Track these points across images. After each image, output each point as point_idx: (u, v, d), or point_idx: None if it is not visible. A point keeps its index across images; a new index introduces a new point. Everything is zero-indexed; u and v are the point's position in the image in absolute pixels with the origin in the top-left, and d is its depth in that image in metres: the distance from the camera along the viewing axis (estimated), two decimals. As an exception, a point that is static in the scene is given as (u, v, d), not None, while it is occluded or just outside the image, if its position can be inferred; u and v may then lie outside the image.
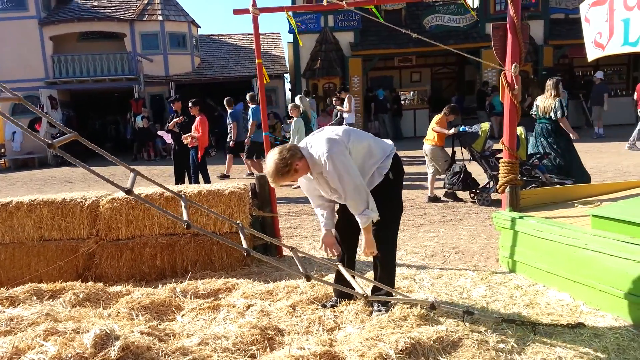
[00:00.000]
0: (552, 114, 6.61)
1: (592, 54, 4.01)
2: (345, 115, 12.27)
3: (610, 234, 3.27)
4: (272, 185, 3.08)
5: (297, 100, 9.57)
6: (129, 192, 2.29)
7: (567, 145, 6.76)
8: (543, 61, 17.45)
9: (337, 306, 3.35)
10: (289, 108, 8.96)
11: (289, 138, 12.67)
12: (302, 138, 8.66)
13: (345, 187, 2.92)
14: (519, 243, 3.99)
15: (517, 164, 4.30)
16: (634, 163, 9.73)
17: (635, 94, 12.81)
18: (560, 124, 6.71)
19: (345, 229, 3.35)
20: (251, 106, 10.28)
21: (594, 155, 11.16)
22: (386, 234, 3.23)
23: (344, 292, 3.21)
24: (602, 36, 3.85)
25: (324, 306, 3.38)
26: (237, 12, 4.96)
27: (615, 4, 3.71)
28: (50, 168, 16.32)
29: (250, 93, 10.69)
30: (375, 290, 3.35)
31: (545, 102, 6.71)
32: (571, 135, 6.76)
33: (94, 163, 12.06)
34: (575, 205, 4.30)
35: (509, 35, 4.18)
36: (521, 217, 3.98)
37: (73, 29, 19.49)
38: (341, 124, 11.42)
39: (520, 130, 6.35)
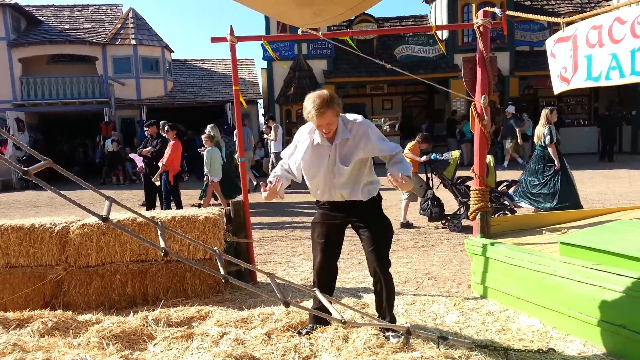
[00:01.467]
0: (542, 141, 7.05)
1: (558, 87, 4.19)
2: (271, 143, 12.44)
3: (578, 260, 3.37)
4: (320, 112, 2.98)
5: (208, 129, 9.64)
6: (105, 219, 2.26)
7: (555, 171, 7.20)
8: (509, 91, 18.04)
9: (311, 333, 3.33)
10: (203, 138, 8.97)
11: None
12: (215, 168, 8.70)
13: (388, 144, 3.21)
14: (490, 269, 4.07)
15: (487, 192, 4.42)
16: (596, 191, 10.07)
17: None
18: (549, 150, 7.10)
19: (326, 258, 3.37)
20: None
21: (559, 183, 11.49)
22: (387, 254, 3.29)
23: (319, 318, 3.23)
24: (567, 71, 4.03)
25: (299, 333, 3.35)
26: (214, 39, 5.00)
27: (579, 41, 3.90)
28: (14, 192, 15.85)
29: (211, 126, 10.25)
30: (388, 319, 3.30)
31: (538, 130, 7.16)
32: (555, 162, 7.13)
33: (61, 187, 11.80)
34: (544, 232, 4.43)
35: (479, 68, 4.34)
36: (492, 244, 4.08)
37: (43, 51, 19.27)
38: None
39: (489, 158, 6.55)
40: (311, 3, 2.59)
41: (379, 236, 3.21)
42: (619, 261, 3.14)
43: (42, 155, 2.43)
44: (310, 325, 3.43)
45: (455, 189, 7.15)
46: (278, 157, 12.66)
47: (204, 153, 8.86)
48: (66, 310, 3.76)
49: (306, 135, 3.25)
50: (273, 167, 12.57)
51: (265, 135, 13.15)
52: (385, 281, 3.24)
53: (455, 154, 7.36)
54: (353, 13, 3.02)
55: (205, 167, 8.83)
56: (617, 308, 2.98)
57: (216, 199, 9.39)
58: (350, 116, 3.18)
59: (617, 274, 3.02)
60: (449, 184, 7.20)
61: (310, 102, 3.00)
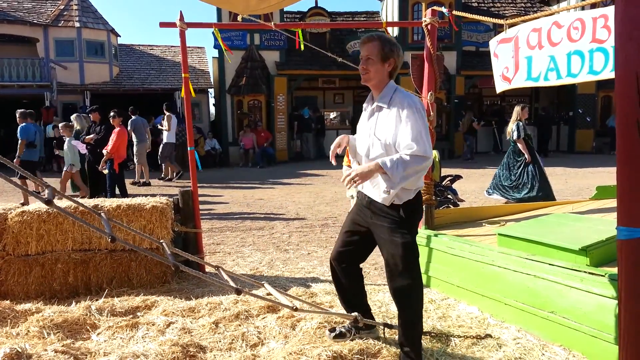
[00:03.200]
0: (511, 136, 7.66)
1: (500, 86, 4.38)
2: (165, 133, 12.57)
3: (514, 251, 3.56)
4: (364, 41, 2.68)
5: (72, 119, 9.60)
6: (48, 202, 2.20)
7: (525, 164, 7.74)
8: (455, 90, 18.59)
9: (348, 333, 3.05)
10: (61, 127, 8.88)
11: (217, 153, 12.64)
12: (75, 158, 8.62)
13: (413, 134, 2.49)
14: (433, 259, 4.22)
15: (432, 186, 4.58)
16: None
17: None
18: (518, 145, 7.61)
19: (339, 254, 3.03)
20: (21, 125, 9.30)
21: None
22: (408, 285, 2.70)
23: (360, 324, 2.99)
24: (508, 70, 4.23)
25: (333, 330, 3.08)
26: (163, 25, 4.89)
27: (520, 42, 4.10)
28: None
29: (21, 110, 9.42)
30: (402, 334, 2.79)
31: (509, 126, 7.82)
32: (526, 156, 7.68)
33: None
34: (484, 224, 4.64)
35: (426, 65, 4.47)
36: (435, 235, 4.23)
37: (-22, 30, 18.15)
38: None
39: (435, 153, 6.75)
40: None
41: (393, 263, 2.69)
42: (552, 252, 3.34)
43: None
44: (347, 325, 3.13)
45: (438, 191, 6.96)
46: (168, 147, 12.57)
47: (65, 143, 8.69)
48: (3, 300, 3.62)
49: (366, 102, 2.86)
50: (162, 158, 12.53)
51: (159, 126, 13.12)
52: (405, 315, 2.75)
53: (434, 153, 7.33)
54: (297, -1, 2.97)
55: (65, 157, 8.72)
56: (548, 296, 3.17)
57: (75, 189, 9.25)
58: (406, 92, 2.68)
59: (549, 264, 3.21)
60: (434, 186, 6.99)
61: None
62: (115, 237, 2.33)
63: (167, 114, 12.59)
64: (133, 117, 11.94)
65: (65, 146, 8.57)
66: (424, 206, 4.48)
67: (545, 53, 3.92)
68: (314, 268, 5.11)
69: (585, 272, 2.99)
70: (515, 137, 7.66)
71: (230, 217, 8.04)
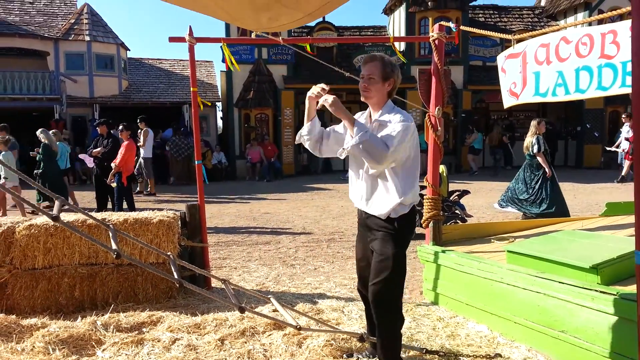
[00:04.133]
0: (530, 150, 7.55)
1: (508, 101, 4.37)
2: (141, 150, 12.34)
3: (524, 268, 3.51)
4: (366, 60, 2.83)
5: (38, 133, 9.66)
6: (55, 218, 2.20)
7: (543, 179, 7.66)
8: (462, 104, 18.58)
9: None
10: None
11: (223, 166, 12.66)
12: (9, 172, 8.59)
13: (396, 133, 2.61)
14: (441, 276, 4.18)
15: (439, 200, 4.55)
16: (543, 202, 10.49)
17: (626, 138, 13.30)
18: (538, 159, 7.53)
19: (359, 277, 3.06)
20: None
21: (508, 194, 11.92)
22: (386, 293, 2.72)
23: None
24: (516, 86, 4.21)
25: (350, 356, 3.08)
26: (172, 39, 4.94)
27: (528, 58, 4.09)
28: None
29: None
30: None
31: (527, 139, 7.72)
32: (546, 170, 7.60)
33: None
34: (493, 241, 4.59)
35: (433, 80, 4.47)
36: (443, 251, 4.19)
37: (-10, 43, 18.41)
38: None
39: (442, 168, 6.73)
40: (268, 8, 2.59)
41: (378, 267, 2.71)
42: (562, 269, 3.29)
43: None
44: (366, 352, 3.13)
45: (446, 206, 6.85)
46: (146, 162, 12.45)
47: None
48: (9, 314, 3.61)
49: (360, 118, 2.92)
50: (140, 172, 12.30)
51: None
52: (379, 324, 2.78)
53: (441, 168, 7.24)
54: (311, 19, 3.02)
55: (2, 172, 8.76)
56: (559, 315, 3.12)
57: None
58: (404, 113, 2.76)
59: (559, 282, 3.17)
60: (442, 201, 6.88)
61: None
62: (121, 253, 2.33)
63: (145, 128, 12.46)
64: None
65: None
66: (432, 222, 4.45)
67: (554, 68, 3.90)
68: (320, 284, 5.07)
69: (596, 290, 2.94)
70: (535, 150, 7.60)
71: (237, 231, 8.03)
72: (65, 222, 2.20)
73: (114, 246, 2.35)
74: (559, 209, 7.47)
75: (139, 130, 12.63)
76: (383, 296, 2.70)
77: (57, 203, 2.36)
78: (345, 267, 5.73)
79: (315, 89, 2.82)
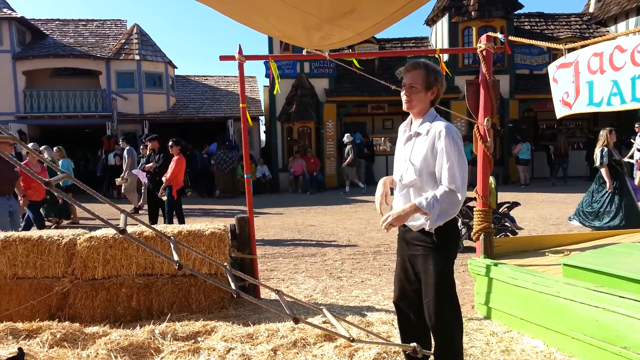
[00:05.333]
0: (596, 162, 7.39)
1: (560, 111, 4.28)
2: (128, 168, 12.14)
3: (581, 282, 3.41)
4: (408, 68, 2.72)
5: (42, 150, 9.82)
6: (122, 231, 2.31)
7: (610, 192, 7.38)
8: (509, 113, 18.22)
9: None
10: None
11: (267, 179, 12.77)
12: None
13: (453, 170, 2.52)
14: (494, 290, 4.11)
15: (490, 213, 4.48)
16: (596, 214, 10.12)
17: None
18: (601, 171, 7.39)
19: (396, 293, 2.95)
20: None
21: (559, 206, 11.58)
22: (442, 310, 2.62)
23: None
24: (569, 96, 4.13)
25: None
26: (223, 58, 5.10)
27: (580, 67, 4.00)
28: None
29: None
30: None
31: (595, 151, 7.47)
32: (607, 184, 7.35)
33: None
34: (547, 254, 4.48)
35: (482, 91, 4.44)
36: (495, 265, 4.12)
37: (48, 64, 19.45)
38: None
39: (491, 179, 6.61)
40: (319, 28, 2.66)
41: (425, 285, 2.63)
42: (621, 283, 3.18)
43: (64, 170, 2.51)
44: None
45: (495, 218, 6.69)
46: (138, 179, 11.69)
47: None
48: (72, 323, 3.78)
49: (402, 127, 2.86)
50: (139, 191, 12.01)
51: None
52: (436, 344, 2.69)
53: (490, 179, 7.06)
54: (360, 38, 3.08)
55: None
56: (619, 330, 3.02)
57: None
58: (444, 121, 2.67)
59: (619, 296, 3.06)
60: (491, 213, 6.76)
61: None
62: (183, 265, 2.41)
63: (127, 147, 12.53)
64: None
65: None
66: (482, 235, 4.39)
67: (608, 78, 3.81)
68: (368, 296, 5.07)
69: (661, 306, 2.83)
70: (598, 163, 7.34)
71: (282, 243, 8.12)
72: (131, 235, 2.31)
73: (175, 257, 2.44)
74: (627, 224, 7.04)
75: (124, 149, 12.68)
76: (436, 314, 2.61)
77: (122, 216, 2.48)
78: (393, 280, 5.69)
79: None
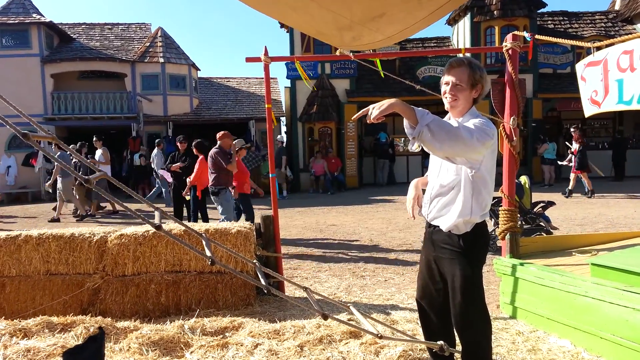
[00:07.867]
0: None
1: (589, 110, 4.23)
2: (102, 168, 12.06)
3: (610, 282, 3.38)
4: (452, 65, 2.57)
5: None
6: (158, 227, 2.38)
7: None
8: (532, 113, 17.99)
9: None
10: None
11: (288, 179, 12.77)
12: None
13: (474, 129, 2.36)
14: (520, 289, 4.09)
15: (516, 212, 4.46)
16: (623, 215, 9.96)
17: None
18: None
19: (419, 294, 2.94)
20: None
21: (584, 206, 11.41)
22: (470, 315, 2.58)
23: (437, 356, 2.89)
24: (597, 94, 4.08)
25: None
26: (249, 59, 5.18)
27: (609, 65, 3.96)
28: (43, 203, 16.26)
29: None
30: None
31: None
32: None
33: (103, 198, 12.12)
34: (574, 254, 4.44)
35: (508, 90, 4.42)
36: (522, 264, 4.10)
37: (75, 67, 19.88)
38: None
39: (524, 179, 6.57)
40: (350, 28, 2.71)
41: (452, 290, 2.58)
42: (652, 284, 3.15)
43: (101, 169, 2.60)
44: None
45: (490, 211, 6.71)
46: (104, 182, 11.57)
47: None
48: (104, 317, 3.89)
49: None
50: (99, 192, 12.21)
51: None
52: (464, 346, 2.64)
53: (523, 179, 6.84)
54: (391, 41, 3.13)
55: None
56: (650, 330, 2.99)
57: None
58: (486, 119, 2.54)
59: (650, 296, 3.03)
60: (524, 213, 6.63)
61: None
62: (215, 260, 2.48)
63: (103, 147, 12.65)
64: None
65: None
66: (508, 234, 4.37)
67: (638, 75, 3.76)
68: (392, 295, 5.08)
69: (693, 306, 2.79)
70: None
71: (305, 242, 8.17)
72: (166, 231, 2.38)
73: (208, 253, 2.50)
74: None
75: (98, 150, 12.69)
76: (463, 319, 2.57)
77: (157, 213, 2.56)
78: (416, 279, 5.69)
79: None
